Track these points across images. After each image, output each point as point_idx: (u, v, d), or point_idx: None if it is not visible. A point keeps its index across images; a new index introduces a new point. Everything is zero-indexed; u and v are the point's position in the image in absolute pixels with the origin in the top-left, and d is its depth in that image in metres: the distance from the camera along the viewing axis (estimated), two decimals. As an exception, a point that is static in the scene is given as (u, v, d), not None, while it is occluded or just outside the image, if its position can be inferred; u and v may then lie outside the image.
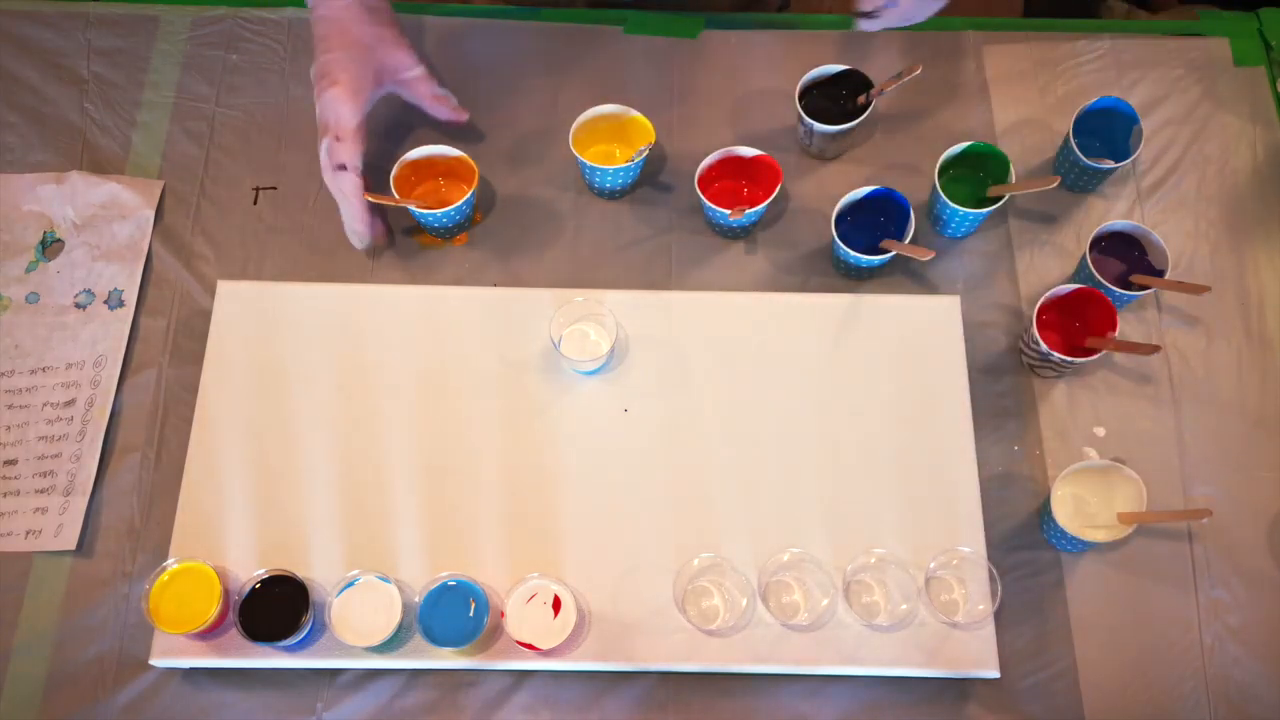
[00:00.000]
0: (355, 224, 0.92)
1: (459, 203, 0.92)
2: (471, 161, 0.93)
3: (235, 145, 1.01)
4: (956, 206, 0.91)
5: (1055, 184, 0.89)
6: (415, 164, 0.94)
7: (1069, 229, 0.97)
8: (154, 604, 0.80)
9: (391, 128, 1.00)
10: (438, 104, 0.95)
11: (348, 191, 0.89)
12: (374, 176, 0.93)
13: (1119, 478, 0.84)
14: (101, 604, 0.85)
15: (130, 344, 0.93)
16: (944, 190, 0.91)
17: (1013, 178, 0.92)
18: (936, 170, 0.92)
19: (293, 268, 0.96)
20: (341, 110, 0.87)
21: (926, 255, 0.87)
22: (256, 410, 0.88)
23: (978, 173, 0.95)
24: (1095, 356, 0.87)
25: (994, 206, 0.91)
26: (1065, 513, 0.84)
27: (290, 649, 0.81)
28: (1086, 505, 0.85)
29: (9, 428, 0.90)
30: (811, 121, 0.94)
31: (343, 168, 0.88)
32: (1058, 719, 0.82)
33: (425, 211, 0.92)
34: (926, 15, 0.90)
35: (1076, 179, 0.97)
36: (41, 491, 0.88)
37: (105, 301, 0.94)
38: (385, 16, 0.92)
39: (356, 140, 0.88)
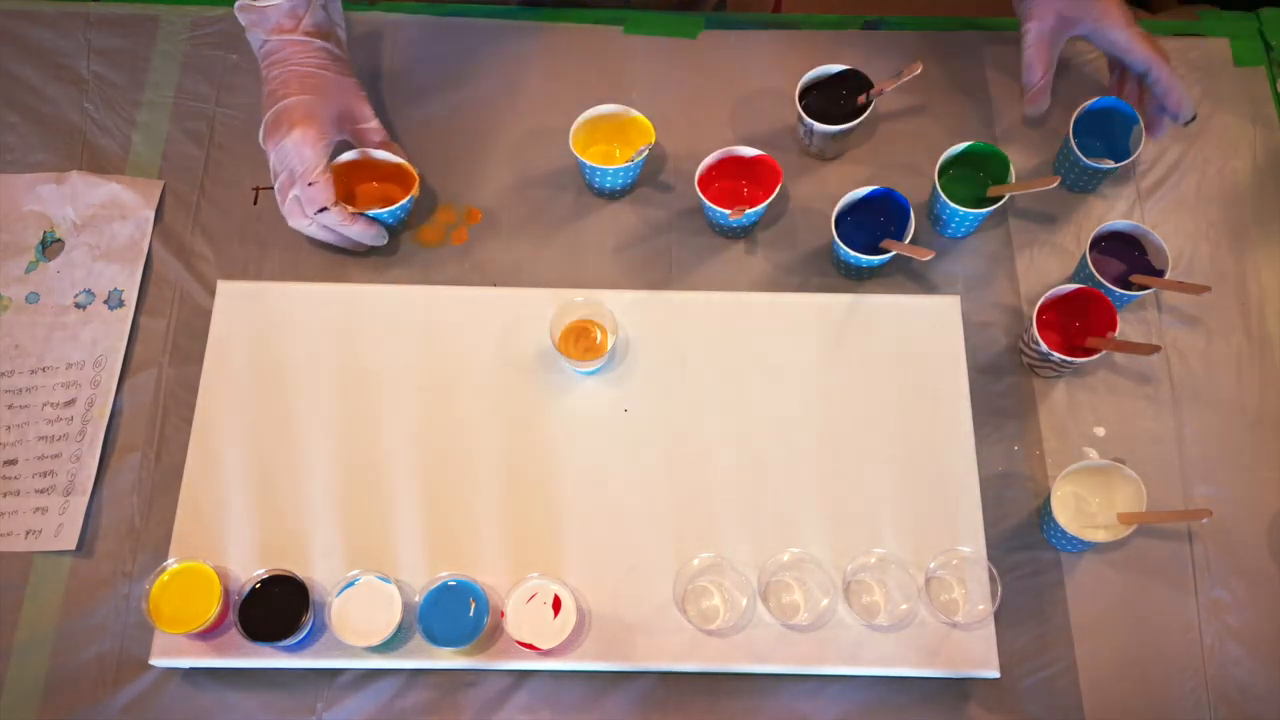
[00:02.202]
0: (366, 238, 0.92)
1: (397, 204, 0.92)
2: (410, 167, 0.93)
3: (235, 145, 1.01)
4: (956, 206, 0.91)
5: (1055, 184, 0.89)
6: (351, 165, 0.94)
7: (1069, 229, 0.98)
8: (154, 604, 0.80)
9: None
10: (385, 151, 0.94)
11: (342, 221, 0.90)
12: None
13: (1119, 478, 0.84)
14: (101, 604, 0.85)
15: (130, 344, 0.93)
16: (944, 190, 0.91)
17: (1013, 178, 0.92)
18: (936, 170, 0.92)
19: (293, 268, 0.96)
20: (307, 154, 0.87)
21: (926, 255, 0.87)
22: (256, 410, 0.88)
23: (978, 173, 0.95)
24: (1095, 356, 0.87)
25: (994, 206, 0.91)
26: (1065, 513, 0.84)
27: (290, 649, 0.81)
28: (1086, 505, 0.85)
29: (9, 428, 0.90)
30: (811, 121, 0.94)
31: (324, 210, 0.88)
32: (1058, 719, 0.82)
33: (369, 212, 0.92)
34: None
35: (1076, 179, 0.97)
36: (41, 491, 0.88)
37: (105, 301, 0.94)
38: (347, 67, 0.93)
39: (329, 182, 0.88)
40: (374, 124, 0.94)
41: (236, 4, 0.89)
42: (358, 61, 1.04)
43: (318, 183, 0.87)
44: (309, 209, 0.88)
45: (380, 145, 0.94)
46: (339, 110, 0.91)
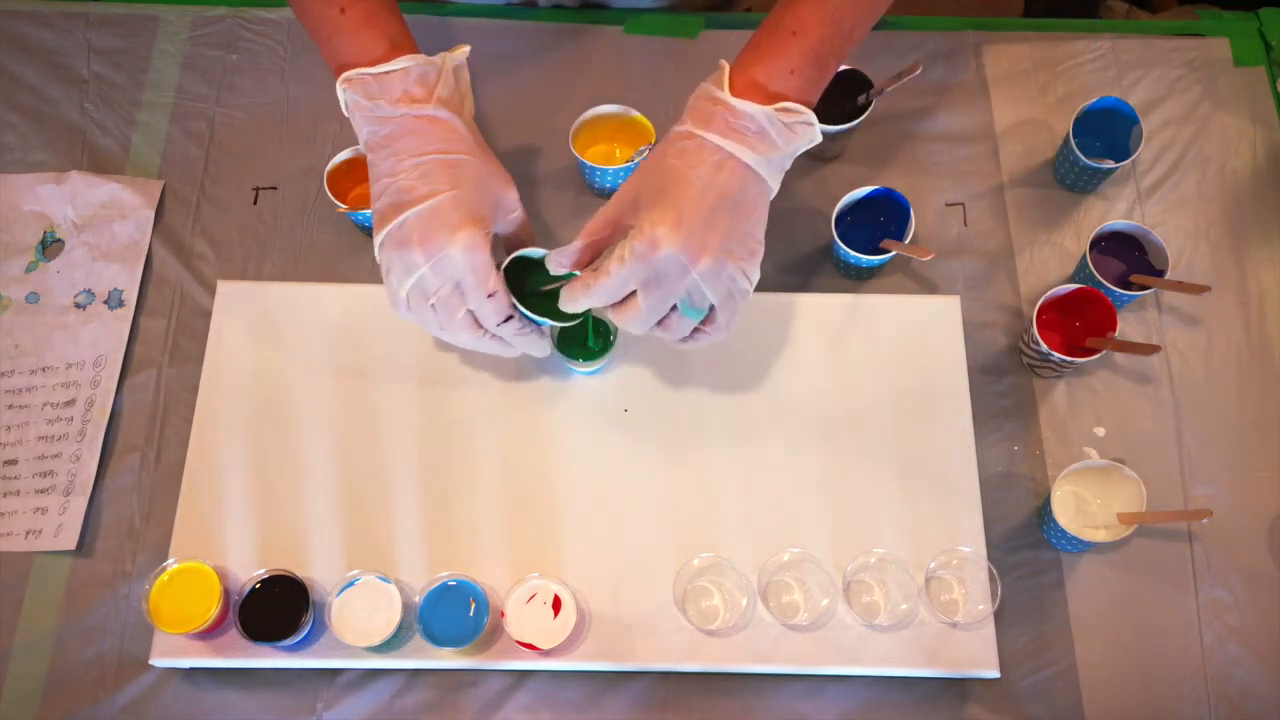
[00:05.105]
0: (536, 348, 0.81)
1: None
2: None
3: (235, 145, 1.01)
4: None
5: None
6: (349, 165, 0.93)
7: (1069, 229, 0.97)
8: (154, 604, 0.80)
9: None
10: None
11: (519, 333, 0.78)
12: (313, 178, 0.93)
13: (1119, 478, 0.84)
14: (101, 604, 0.85)
15: (130, 344, 0.93)
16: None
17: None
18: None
19: (293, 268, 0.96)
20: (479, 261, 0.73)
21: (927, 255, 0.87)
22: (256, 410, 0.88)
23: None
24: (1095, 356, 0.87)
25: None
26: (1065, 513, 0.84)
27: (290, 649, 0.81)
28: (1086, 505, 0.85)
29: (9, 428, 0.90)
30: (811, 121, 0.94)
31: (508, 319, 0.77)
32: (1057, 719, 0.82)
33: (359, 212, 0.92)
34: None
35: (1076, 179, 0.97)
36: (41, 491, 0.88)
37: (105, 301, 0.94)
38: (482, 140, 0.79)
39: (504, 286, 0.76)
40: (519, 212, 0.81)
41: (341, 78, 0.76)
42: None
43: (497, 292, 0.75)
44: (490, 322, 0.76)
45: (524, 233, 0.82)
46: (492, 202, 0.76)
